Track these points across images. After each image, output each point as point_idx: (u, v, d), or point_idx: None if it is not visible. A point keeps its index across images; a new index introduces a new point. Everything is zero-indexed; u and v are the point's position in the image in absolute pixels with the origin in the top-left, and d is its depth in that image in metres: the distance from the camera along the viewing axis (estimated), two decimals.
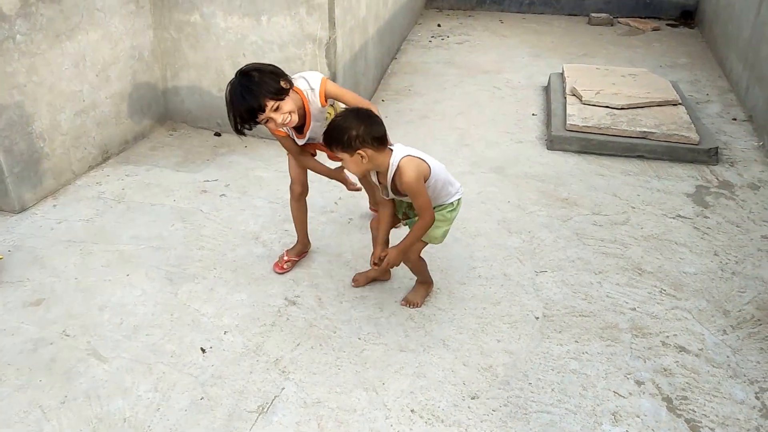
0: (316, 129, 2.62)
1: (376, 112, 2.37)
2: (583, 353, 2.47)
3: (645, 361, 2.43)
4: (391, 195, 2.44)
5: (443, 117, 4.63)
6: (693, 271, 2.95)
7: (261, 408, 2.21)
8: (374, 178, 2.44)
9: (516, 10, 7.71)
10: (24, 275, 2.89)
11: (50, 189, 3.56)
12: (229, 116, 2.41)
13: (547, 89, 5.09)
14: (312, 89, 2.50)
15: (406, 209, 2.62)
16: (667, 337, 2.56)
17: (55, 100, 3.46)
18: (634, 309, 2.71)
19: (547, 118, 4.58)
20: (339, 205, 3.45)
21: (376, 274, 2.77)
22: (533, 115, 4.72)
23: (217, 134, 4.30)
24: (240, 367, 2.37)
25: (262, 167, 3.84)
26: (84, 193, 3.57)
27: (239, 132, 2.43)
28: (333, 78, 3.92)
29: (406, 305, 2.68)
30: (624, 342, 2.53)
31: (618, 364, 2.42)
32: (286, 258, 2.92)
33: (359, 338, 2.52)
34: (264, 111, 2.34)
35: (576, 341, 2.52)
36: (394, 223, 2.63)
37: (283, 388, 2.28)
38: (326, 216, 3.36)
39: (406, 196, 2.39)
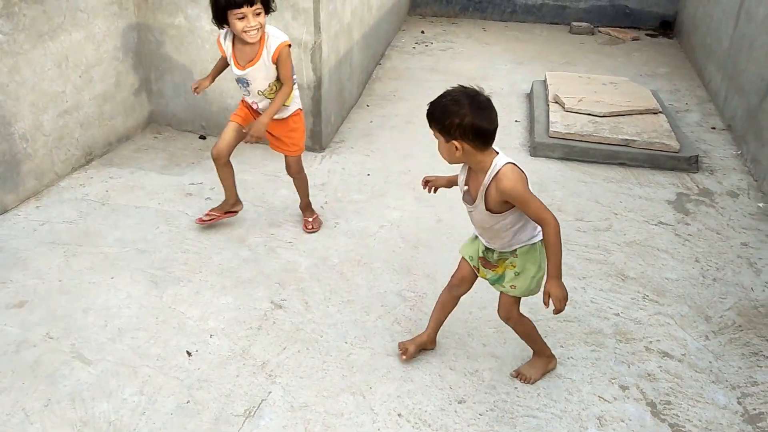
0: (256, 76, 2.83)
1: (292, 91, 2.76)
2: (568, 358, 2.50)
3: (629, 366, 2.47)
4: (475, 205, 2.09)
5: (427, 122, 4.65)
6: (675, 277, 3.00)
7: (248, 412, 2.20)
8: (462, 177, 2.15)
9: (498, 18, 7.79)
10: (7, 276, 2.84)
11: (33, 190, 3.51)
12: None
13: (530, 96, 5.14)
14: (276, 37, 2.78)
15: (486, 255, 2.23)
16: (651, 342, 2.60)
17: (37, 100, 3.42)
18: (618, 314, 2.75)
19: (530, 124, 4.63)
20: (325, 209, 3.46)
21: (425, 344, 2.48)
22: (516, 121, 4.77)
23: (202, 137, 4.28)
24: (226, 371, 2.36)
25: (247, 170, 3.82)
26: (67, 195, 3.53)
27: (220, 14, 2.67)
28: (318, 82, 3.92)
29: (516, 377, 2.39)
30: (608, 347, 2.56)
31: (602, 369, 2.45)
32: (207, 212, 3.22)
33: (346, 342, 2.52)
34: (252, 5, 2.62)
35: (561, 346, 2.55)
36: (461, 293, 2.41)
37: (270, 392, 2.28)
38: None
39: (494, 211, 2.05)
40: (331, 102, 4.20)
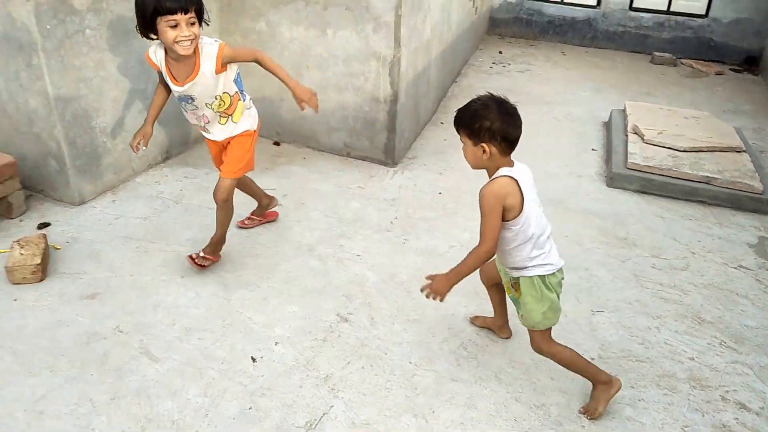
0: (198, 91, 2.57)
1: (262, 58, 2.61)
2: (638, 400, 2.38)
3: (703, 415, 2.33)
4: None
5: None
6: (755, 325, 2.83)
7: (309, 424, 2.17)
8: None
9: (578, 43, 7.65)
10: (81, 268, 2.92)
11: (110, 184, 3.62)
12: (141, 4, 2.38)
13: (607, 125, 5.00)
14: (209, 44, 2.51)
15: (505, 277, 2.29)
16: (727, 391, 2.45)
17: (120, 96, 3.52)
18: (693, 359, 2.61)
19: (607, 154, 4.50)
20: (395, 225, 3.43)
21: (491, 325, 2.65)
22: (593, 150, 4.64)
23: (276, 143, 4.33)
24: (290, 380, 2.34)
25: (320, 180, 3.84)
26: (143, 191, 3.62)
27: (148, 22, 2.38)
28: (394, 97, 3.92)
29: (584, 414, 2.30)
30: (682, 392, 2.43)
31: (675, 415, 2.32)
32: (249, 215, 3.24)
33: (410, 362, 2.47)
34: (186, 12, 2.33)
35: (632, 387, 2.43)
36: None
37: (332, 406, 2.25)
38: (381, 235, 3.33)
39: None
40: (406, 117, 4.18)
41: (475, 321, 2.71)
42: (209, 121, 2.72)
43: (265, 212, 3.28)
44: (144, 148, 2.81)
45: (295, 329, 2.60)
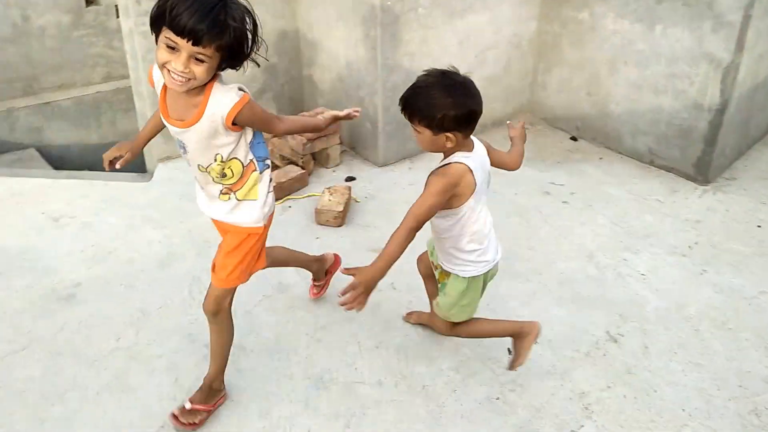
0: (193, 142, 1.77)
1: (279, 129, 1.90)
2: None
3: None
4: None
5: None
6: None
7: None
8: None
9: None
10: (373, 223, 3.19)
11: (410, 152, 3.86)
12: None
13: None
14: (232, 90, 1.71)
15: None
16: None
17: None
18: None
19: None
20: (693, 250, 3.03)
21: (427, 321, 2.47)
22: None
23: (573, 138, 4.17)
24: (542, 384, 2.26)
25: (614, 184, 3.59)
26: (436, 164, 3.79)
27: (154, 21, 1.61)
28: (723, 106, 3.43)
29: (514, 368, 2.19)
30: None
31: None
32: (312, 285, 2.64)
33: (683, 410, 2.15)
34: (196, 43, 1.55)
35: None
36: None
37: (583, 426, 2.10)
38: (675, 258, 2.96)
39: None
40: (732, 131, 3.65)
41: (410, 318, 2.52)
42: (203, 187, 1.93)
43: (328, 270, 2.61)
44: (118, 167, 2.06)
45: (557, 334, 2.49)
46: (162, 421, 2.08)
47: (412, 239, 1.84)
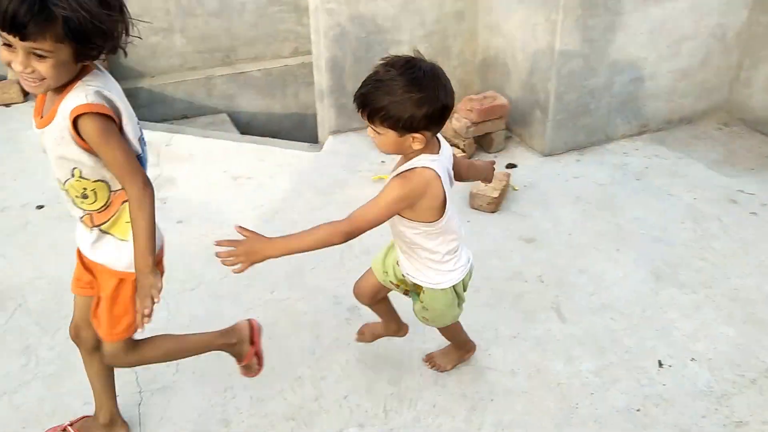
0: (49, 147, 1.44)
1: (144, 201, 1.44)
2: None
3: None
4: None
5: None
6: None
7: None
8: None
9: None
10: (529, 212, 3.09)
11: (580, 144, 3.67)
12: None
13: None
14: (83, 92, 1.37)
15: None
16: None
17: (617, 61, 3.46)
18: None
19: None
20: None
21: (384, 333, 2.19)
22: None
23: None
24: (693, 404, 2.04)
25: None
26: (608, 159, 3.56)
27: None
28: None
29: (427, 364, 2.21)
30: None
31: None
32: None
33: None
34: (24, 38, 1.26)
35: None
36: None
37: None
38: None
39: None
40: None
41: (363, 337, 2.20)
42: (71, 209, 1.57)
43: (252, 339, 1.98)
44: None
45: (721, 353, 2.23)
46: (298, 373, 2.21)
47: (336, 245, 1.58)
